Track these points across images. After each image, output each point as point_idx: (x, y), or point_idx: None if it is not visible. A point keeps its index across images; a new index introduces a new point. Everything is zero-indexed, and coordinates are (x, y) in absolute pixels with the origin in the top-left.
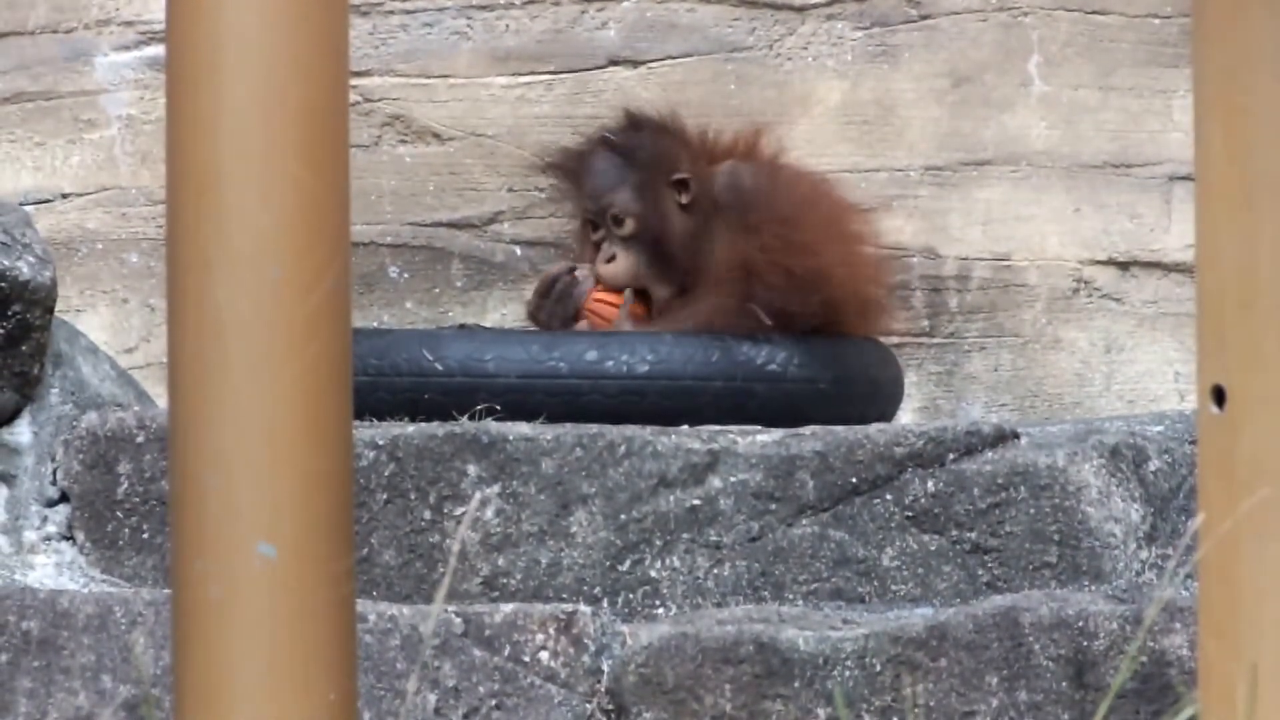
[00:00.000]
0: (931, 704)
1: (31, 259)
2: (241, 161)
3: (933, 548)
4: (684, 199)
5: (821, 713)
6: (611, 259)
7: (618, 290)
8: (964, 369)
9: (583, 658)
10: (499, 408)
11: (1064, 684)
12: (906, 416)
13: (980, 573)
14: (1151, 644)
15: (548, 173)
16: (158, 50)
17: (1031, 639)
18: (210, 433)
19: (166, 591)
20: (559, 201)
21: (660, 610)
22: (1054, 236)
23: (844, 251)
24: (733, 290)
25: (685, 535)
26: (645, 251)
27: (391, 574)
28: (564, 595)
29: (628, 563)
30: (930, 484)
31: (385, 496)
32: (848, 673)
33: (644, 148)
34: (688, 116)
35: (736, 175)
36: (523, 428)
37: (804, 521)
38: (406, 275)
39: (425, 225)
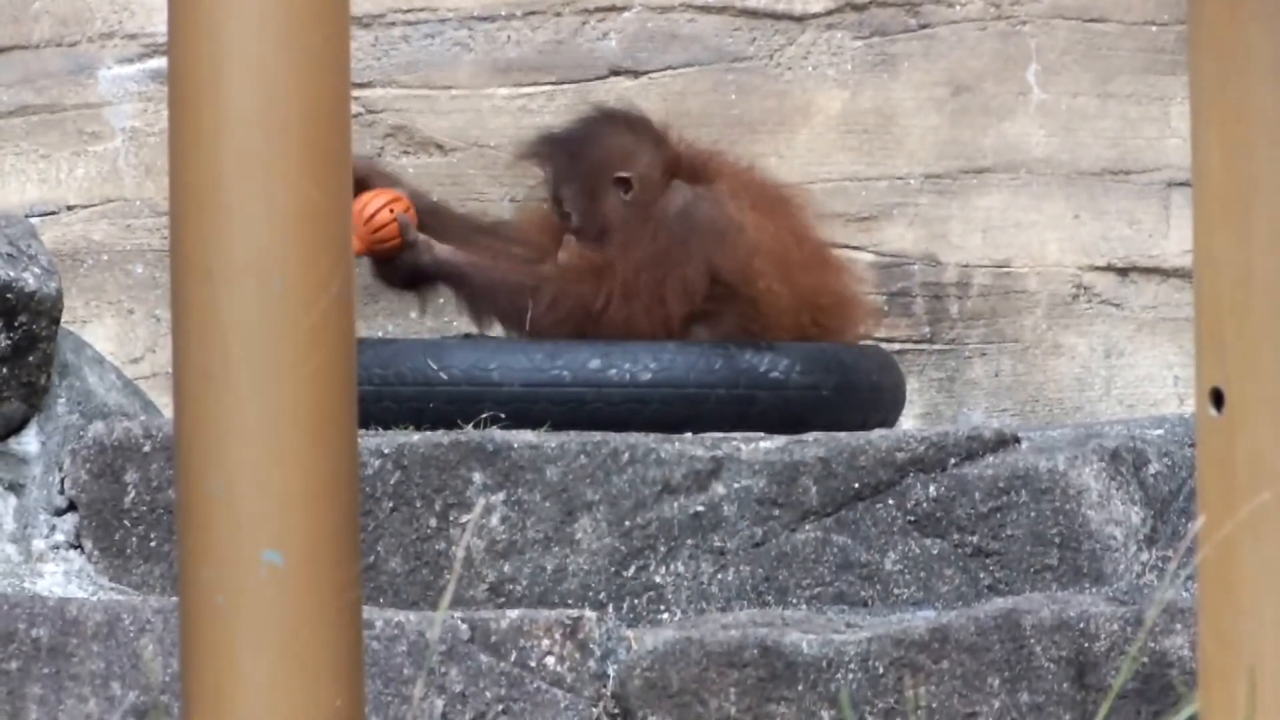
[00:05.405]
0: (934, 706)
1: (37, 270)
2: (244, 173)
3: (935, 551)
4: (626, 196)
5: (825, 715)
6: (567, 246)
7: None
8: (965, 375)
9: (588, 662)
10: (503, 416)
11: (1065, 685)
12: (908, 422)
13: (982, 576)
14: (1152, 645)
15: (522, 159)
16: (161, 63)
17: (1033, 641)
18: (216, 442)
19: (174, 599)
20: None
21: (665, 615)
22: (1054, 243)
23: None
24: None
25: (689, 541)
26: (590, 243)
27: (398, 581)
28: (569, 601)
29: (632, 568)
30: (932, 488)
31: (391, 504)
32: (851, 675)
33: (593, 145)
34: (687, 126)
35: (670, 198)
36: (527, 435)
37: (807, 526)
38: None
39: None
